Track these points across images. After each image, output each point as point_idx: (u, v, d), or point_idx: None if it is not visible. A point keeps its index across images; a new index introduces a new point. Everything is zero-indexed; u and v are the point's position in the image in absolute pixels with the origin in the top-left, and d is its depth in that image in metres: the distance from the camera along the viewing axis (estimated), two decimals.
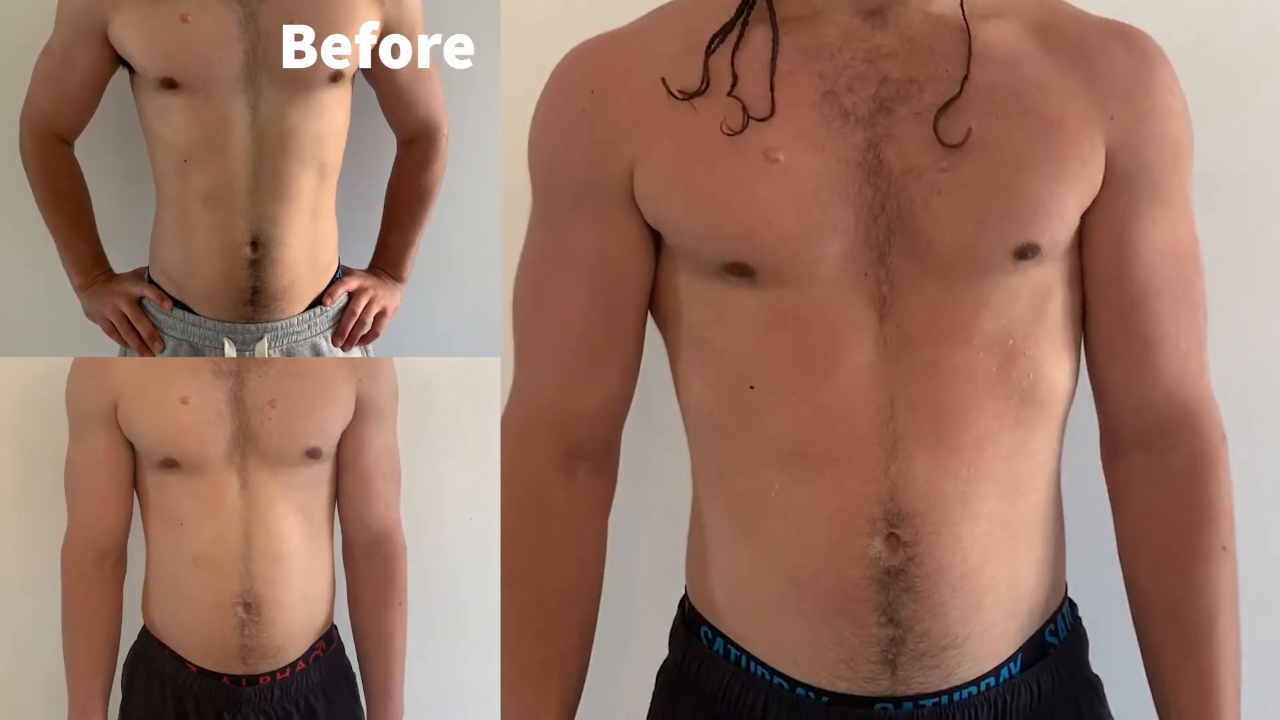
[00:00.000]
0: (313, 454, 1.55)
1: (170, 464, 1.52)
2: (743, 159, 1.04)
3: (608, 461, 1.19)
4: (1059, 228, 1.05)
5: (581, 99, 1.10)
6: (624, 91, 1.08)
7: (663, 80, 1.06)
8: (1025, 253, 1.03)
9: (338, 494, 1.61)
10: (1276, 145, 1.40)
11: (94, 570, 1.55)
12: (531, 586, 1.15)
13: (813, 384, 1.04)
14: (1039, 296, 1.06)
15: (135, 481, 1.57)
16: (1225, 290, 1.33)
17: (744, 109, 1.04)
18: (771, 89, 1.04)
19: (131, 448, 1.55)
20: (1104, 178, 1.06)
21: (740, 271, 1.05)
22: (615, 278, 1.12)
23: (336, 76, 1.54)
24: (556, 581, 1.15)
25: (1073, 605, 1.17)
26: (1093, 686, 1.15)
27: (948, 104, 1.02)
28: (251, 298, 1.58)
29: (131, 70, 1.56)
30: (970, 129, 1.02)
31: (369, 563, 1.62)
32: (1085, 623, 1.18)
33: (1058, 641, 1.13)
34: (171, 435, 1.52)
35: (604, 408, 1.16)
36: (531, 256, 1.16)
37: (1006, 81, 1.04)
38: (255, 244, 1.56)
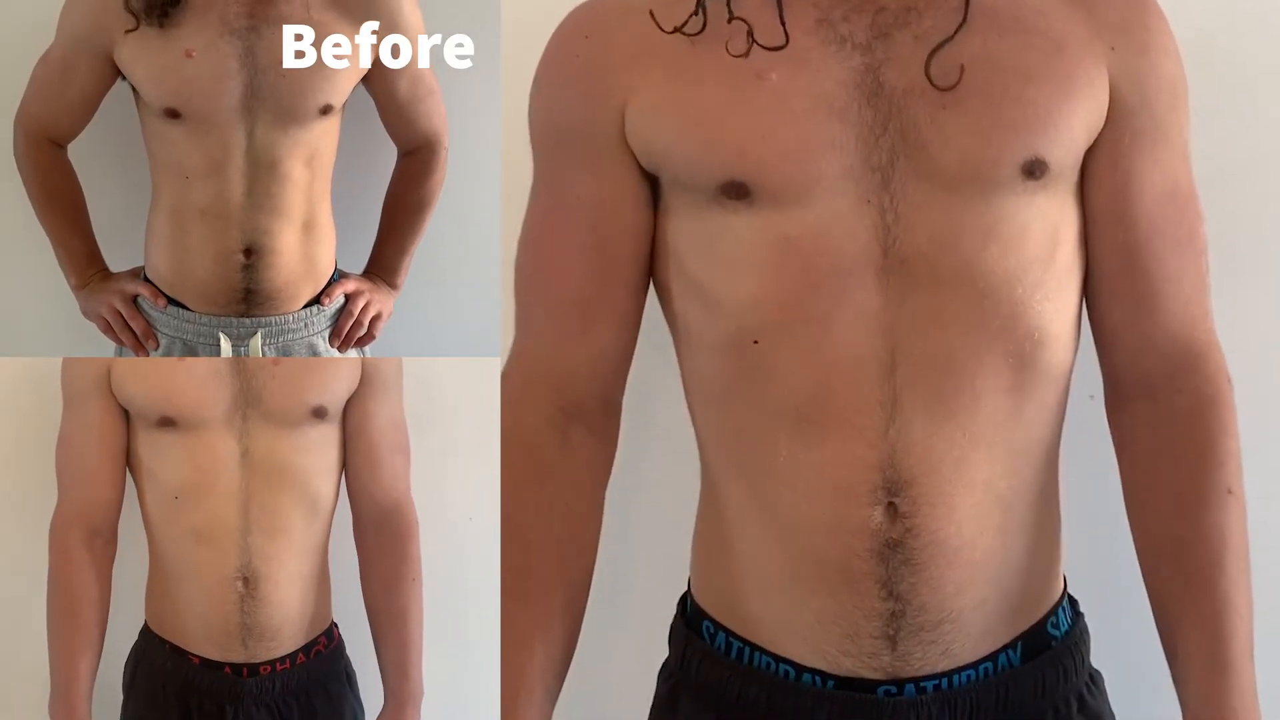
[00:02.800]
0: (318, 413, 1.54)
1: (167, 423, 1.50)
2: (736, 78, 1.04)
3: (605, 425, 1.17)
4: (1066, 145, 1.05)
5: (576, 46, 1.12)
6: (618, 33, 1.09)
7: (650, 13, 1.07)
8: (1033, 169, 1.03)
9: (345, 470, 1.59)
10: (1276, 145, 1.40)
11: (83, 548, 1.53)
12: (520, 545, 1.13)
13: (816, 333, 1.03)
14: (1046, 240, 1.06)
15: (130, 458, 1.55)
16: (1225, 290, 1.33)
17: (749, 31, 1.04)
18: (782, 21, 1.04)
19: (125, 421, 1.54)
20: (1108, 111, 1.07)
21: (737, 193, 1.04)
22: (610, 229, 1.12)
23: (327, 109, 1.58)
24: (544, 541, 1.13)
25: (1073, 601, 1.17)
26: (1094, 681, 1.15)
27: (941, 44, 1.03)
28: (245, 296, 1.60)
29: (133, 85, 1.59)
30: (963, 67, 1.02)
31: (380, 539, 1.60)
32: (1086, 619, 1.18)
33: (1060, 635, 1.13)
34: (167, 392, 1.51)
35: (599, 364, 1.15)
36: (531, 214, 1.16)
37: (1007, 5, 1.06)
38: (249, 251, 1.59)
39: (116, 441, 1.54)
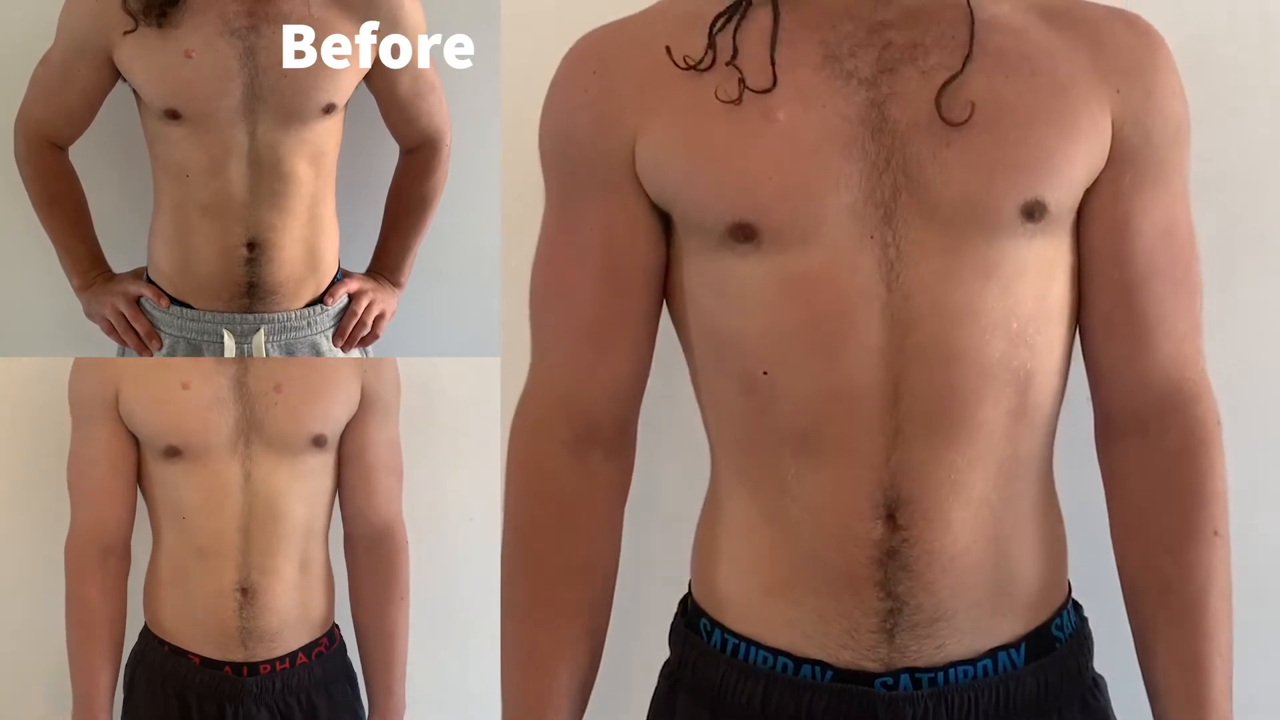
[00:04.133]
0: (318, 441, 1.56)
1: (173, 452, 1.53)
2: (743, 118, 1.05)
3: (621, 447, 1.18)
4: (1066, 187, 1.05)
5: (585, 79, 1.12)
6: (627, 67, 1.09)
7: (667, 49, 1.07)
8: (1033, 211, 1.04)
9: (340, 489, 1.62)
10: (1276, 145, 1.40)
11: (98, 567, 1.56)
12: (538, 571, 1.15)
13: (822, 366, 1.04)
14: (1042, 279, 1.07)
15: (140, 477, 1.57)
16: (1225, 290, 1.33)
17: (741, 79, 1.05)
18: (773, 62, 1.05)
19: (134, 442, 1.56)
20: (1110, 152, 1.07)
21: (744, 235, 1.05)
22: (622, 257, 1.12)
23: (330, 108, 1.57)
24: (564, 566, 1.14)
25: (1077, 606, 1.18)
26: (1097, 685, 1.16)
27: (950, 80, 1.03)
28: (248, 290, 1.60)
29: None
30: (973, 105, 1.03)
31: (371, 558, 1.63)
32: (1089, 624, 1.18)
33: (1064, 637, 1.13)
34: (173, 421, 1.53)
35: (615, 389, 1.16)
36: (543, 242, 1.17)
37: (1014, 45, 1.06)
38: (251, 245, 1.58)
39: (127, 463, 1.56)
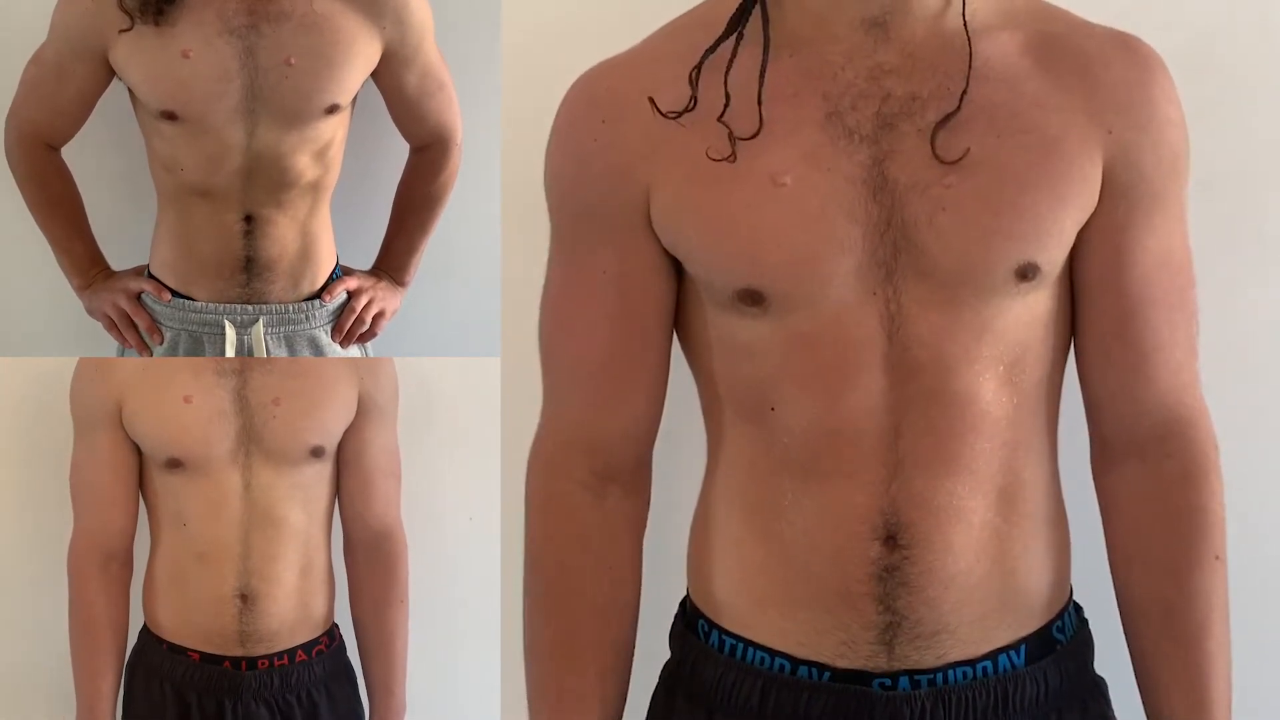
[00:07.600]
0: (316, 453, 1.58)
1: (175, 464, 1.54)
2: (751, 184, 1.05)
3: (639, 482, 1.19)
4: (1058, 248, 1.06)
5: (592, 128, 1.11)
6: (634, 118, 1.09)
7: (650, 100, 1.07)
8: (1026, 272, 1.05)
9: (339, 493, 1.62)
10: (1276, 145, 1.40)
11: (100, 573, 1.57)
12: (565, 611, 1.16)
13: (827, 408, 1.06)
14: (1034, 325, 1.08)
15: (142, 483, 1.58)
16: (1225, 290, 1.33)
17: (730, 135, 1.05)
18: (759, 104, 1.04)
19: (136, 450, 1.57)
20: (1101, 192, 1.07)
21: (752, 299, 1.06)
22: (636, 300, 1.13)
23: (333, 109, 1.56)
24: (591, 604, 1.16)
25: (1078, 608, 1.18)
26: (1098, 687, 1.16)
27: (945, 119, 1.03)
28: (245, 266, 1.59)
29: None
30: (969, 149, 1.03)
31: (370, 561, 1.64)
32: (1089, 626, 1.19)
33: (1065, 639, 1.14)
34: (175, 435, 1.54)
35: (632, 428, 1.17)
36: (553, 283, 1.17)
37: (1007, 100, 1.05)
38: (248, 219, 1.57)
39: (129, 471, 1.57)
